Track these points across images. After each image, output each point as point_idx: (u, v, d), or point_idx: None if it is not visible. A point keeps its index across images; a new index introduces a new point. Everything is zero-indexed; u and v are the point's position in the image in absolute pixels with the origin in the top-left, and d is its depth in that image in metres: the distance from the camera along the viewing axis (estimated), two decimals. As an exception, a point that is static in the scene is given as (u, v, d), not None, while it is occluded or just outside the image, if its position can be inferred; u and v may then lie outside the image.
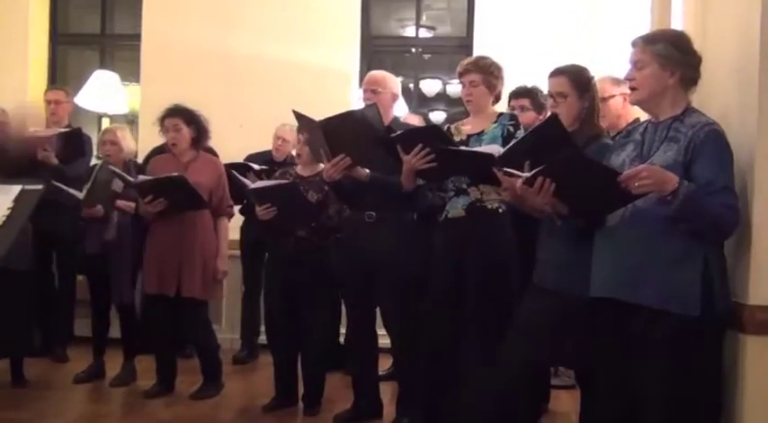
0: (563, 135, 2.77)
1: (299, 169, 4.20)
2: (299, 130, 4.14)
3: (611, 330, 2.48)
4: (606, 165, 2.50)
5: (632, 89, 2.53)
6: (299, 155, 4.20)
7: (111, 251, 4.59)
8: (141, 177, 4.27)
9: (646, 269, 2.36)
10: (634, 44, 2.52)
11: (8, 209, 2.23)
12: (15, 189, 2.30)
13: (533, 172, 2.44)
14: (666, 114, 2.47)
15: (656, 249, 2.35)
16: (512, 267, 3.36)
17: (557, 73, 3.01)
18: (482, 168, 2.97)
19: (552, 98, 3.01)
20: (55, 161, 4.73)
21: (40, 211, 2.76)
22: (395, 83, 3.89)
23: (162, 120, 4.37)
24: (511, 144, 2.99)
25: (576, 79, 2.99)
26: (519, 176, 2.53)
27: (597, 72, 3.24)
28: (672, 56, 2.44)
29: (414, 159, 3.25)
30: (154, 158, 4.59)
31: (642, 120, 2.83)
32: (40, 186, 2.35)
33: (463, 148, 3.30)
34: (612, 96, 3.73)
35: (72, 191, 4.37)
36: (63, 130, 4.94)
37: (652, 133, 2.50)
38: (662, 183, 2.26)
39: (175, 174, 4.16)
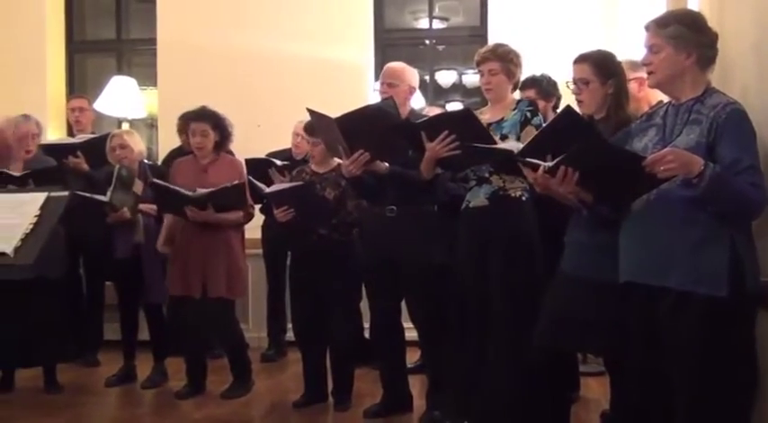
0: (582, 125, 2.76)
1: (314, 167, 4.21)
2: (308, 129, 4.15)
3: (640, 315, 2.47)
4: (630, 150, 2.48)
5: (650, 73, 2.52)
6: (312, 155, 4.20)
7: (141, 254, 4.61)
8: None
9: (673, 252, 2.34)
10: (647, 28, 2.50)
11: (35, 216, 2.25)
12: (41, 196, 2.32)
13: (555, 161, 2.43)
14: (687, 96, 2.45)
15: (682, 232, 2.33)
16: (537, 255, 3.34)
17: (579, 59, 3.00)
18: (503, 160, 2.97)
19: (575, 84, 2.99)
20: (85, 167, 4.78)
21: (67, 216, 2.79)
22: (412, 75, 3.87)
23: (188, 122, 4.39)
24: (529, 140, 2.97)
25: (599, 65, 2.97)
26: (540, 165, 2.52)
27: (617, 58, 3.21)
28: (685, 37, 2.41)
29: (438, 146, 3.23)
30: (177, 161, 4.59)
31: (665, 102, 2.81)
32: (65, 193, 2.38)
33: (488, 145, 3.26)
34: (627, 81, 3.71)
35: (97, 196, 4.40)
36: (91, 136, 4.98)
37: (673, 116, 2.48)
38: (687, 165, 2.24)
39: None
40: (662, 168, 2.24)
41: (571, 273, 2.87)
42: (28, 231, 2.19)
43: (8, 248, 2.13)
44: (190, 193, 4.21)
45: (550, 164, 2.46)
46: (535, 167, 2.56)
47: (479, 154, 3.17)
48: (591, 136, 2.63)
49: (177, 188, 4.25)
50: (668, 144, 2.38)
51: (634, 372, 2.55)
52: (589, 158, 2.37)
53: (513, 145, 3.03)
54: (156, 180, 4.44)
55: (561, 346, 2.91)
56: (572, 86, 3.07)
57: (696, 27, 2.44)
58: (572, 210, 2.77)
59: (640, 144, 2.54)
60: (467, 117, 3.33)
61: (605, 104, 2.96)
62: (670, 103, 2.54)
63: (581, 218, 2.79)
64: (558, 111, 3.72)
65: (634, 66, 3.68)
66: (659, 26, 2.46)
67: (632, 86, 3.69)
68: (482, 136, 3.16)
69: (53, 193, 2.33)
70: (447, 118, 3.49)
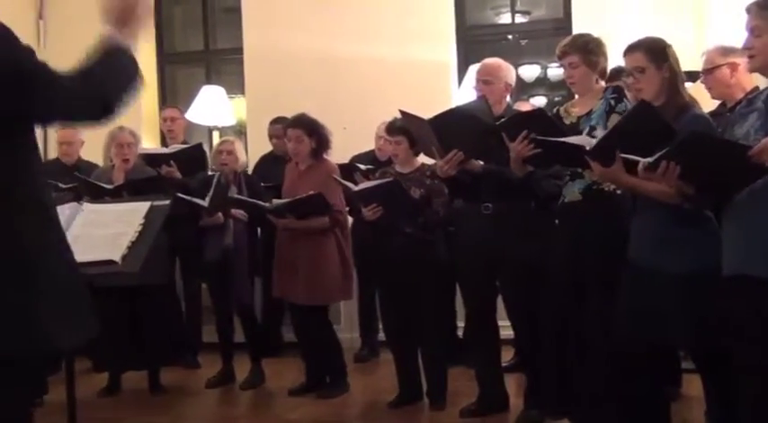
0: (656, 118, 2.69)
1: (398, 167, 4.22)
2: (389, 129, 4.16)
3: (745, 309, 2.39)
4: (734, 141, 2.40)
5: (750, 57, 2.43)
6: (395, 155, 4.21)
7: (230, 257, 4.73)
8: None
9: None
10: (748, 10, 2.41)
11: (140, 225, 2.34)
12: (145, 206, 2.41)
13: (656, 156, 2.39)
14: (790, 80, 2.36)
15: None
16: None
17: (631, 49, 2.94)
18: (576, 157, 2.93)
19: (631, 75, 2.93)
20: (179, 175, 4.92)
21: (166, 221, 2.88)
22: (508, 71, 3.83)
23: (285, 129, 4.47)
24: (601, 136, 2.92)
25: (652, 51, 2.91)
26: (638, 161, 2.48)
27: (707, 43, 3.12)
28: None
29: (519, 146, 3.21)
30: (288, 165, 4.65)
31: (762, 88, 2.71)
32: (167, 202, 2.46)
33: (559, 138, 3.21)
34: (718, 67, 3.60)
35: (197, 200, 4.52)
36: (183, 146, 5.13)
37: (776, 101, 2.39)
38: (796, 152, 2.16)
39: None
40: None
41: (643, 265, 2.83)
42: (134, 239, 2.27)
43: (116, 256, 2.22)
44: (267, 205, 4.34)
45: (650, 159, 2.41)
46: (609, 162, 2.51)
47: (557, 150, 3.13)
48: (666, 129, 2.57)
49: (254, 201, 4.42)
50: (772, 129, 2.30)
51: (741, 368, 2.46)
52: (693, 152, 2.31)
53: (584, 140, 2.98)
54: (234, 195, 4.56)
55: (637, 340, 2.85)
56: (628, 79, 3.00)
57: None
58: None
59: (741, 130, 2.46)
60: (538, 115, 3.30)
61: (663, 90, 2.89)
62: (771, 87, 2.45)
63: (652, 211, 2.74)
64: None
65: (725, 51, 3.58)
66: (762, 8, 2.37)
67: (724, 72, 3.60)
68: (556, 133, 3.12)
69: (156, 202, 2.41)
70: (524, 117, 3.46)
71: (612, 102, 3.31)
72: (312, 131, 4.39)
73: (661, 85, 2.88)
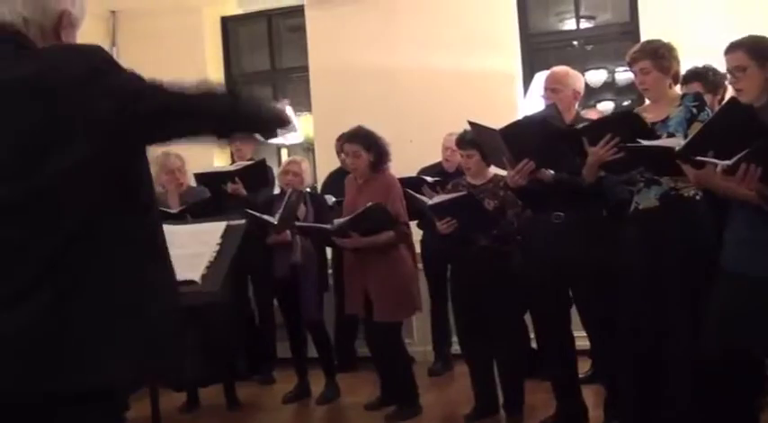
0: (750, 116, 2.60)
1: (470, 179, 4.19)
2: (459, 142, 4.13)
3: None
4: None
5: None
6: (468, 168, 4.18)
7: (299, 274, 4.77)
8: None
9: None
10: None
11: (217, 244, 2.38)
12: (221, 225, 2.46)
13: (735, 158, 2.32)
14: None
15: None
16: (714, 256, 3.17)
17: (732, 47, 2.87)
18: (664, 161, 2.86)
19: (731, 74, 2.84)
20: (244, 192, 4.98)
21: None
22: (576, 79, 3.80)
23: (341, 144, 4.47)
24: (690, 136, 2.84)
25: (754, 49, 2.84)
26: (714, 164, 2.41)
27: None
28: None
29: (602, 150, 3.15)
30: (347, 178, 4.66)
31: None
32: (242, 221, 2.51)
33: (645, 142, 3.14)
34: None
35: (266, 217, 4.57)
36: (249, 162, 5.22)
37: None
38: None
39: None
40: None
41: (733, 270, 2.74)
42: (212, 259, 2.32)
43: (196, 276, 2.27)
44: (328, 227, 4.33)
45: (729, 162, 2.34)
46: (701, 165, 2.44)
47: (641, 155, 3.05)
48: (761, 129, 2.48)
49: (317, 225, 4.45)
50: None
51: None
52: None
53: (672, 141, 2.90)
54: (298, 223, 4.58)
55: (729, 348, 2.75)
56: (728, 77, 2.92)
57: None
58: (731, 206, 2.64)
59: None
60: (629, 118, 3.22)
61: (765, 90, 2.80)
62: None
63: (742, 213, 2.65)
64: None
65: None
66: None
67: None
68: (646, 136, 3.05)
69: (232, 222, 2.46)
70: (609, 121, 3.40)
71: (695, 110, 3.23)
72: (369, 145, 4.34)
73: (763, 85, 2.81)
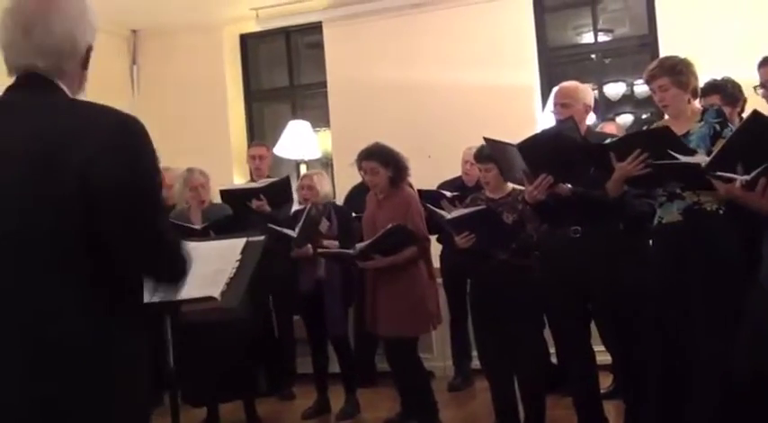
0: None
1: (489, 193, 4.18)
2: (478, 157, 4.11)
3: None
4: None
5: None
6: (486, 182, 4.17)
7: (323, 289, 4.78)
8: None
9: None
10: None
11: (237, 261, 2.39)
12: (241, 242, 2.47)
13: (753, 174, 2.30)
14: None
15: None
16: (739, 271, 3.14)
17: (766, 61, 2.83)
18: (692, 176, 2.83)
19: (764, 88, 2.82)
20: (268, 209, 5.02)
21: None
22: (586, 93, 3.80)
23: (359, 161, 4.47)
24: (716, 151, 2.82)
25: None
26: (734, 179, 2.39)
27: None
28: None
29: (630, 166, 3.14)
30: (369, 194, 4.67)
31: None
32: (262, 237, 2.51)
33: (677, 158, 3.10)
34: None
35: (286, 230, 4.59)
36: (272, 180, 5.25)
37: None
38: None
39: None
40: None
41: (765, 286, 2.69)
42: (232, 275, 2.33)
43: (216, 292, 2.27)
44: (351, 252, 4.33)
45: (747, 177, 2.32)
46: (728, 179, 2.42)
47: (669, 171, 3.03)
48: None
49: (339, 250, 4.47)
50: None
51: None
52: None
53: (699, 158, 2.88)
54: (321, 249, 4.60)
55: (762, 365, 2.71)
56: (760, 91, 2.89)
57: None
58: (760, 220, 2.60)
59: None
60: (664, 134, 3.17)
61: None
62: None
63: None
64: (745, 116, 3.51)
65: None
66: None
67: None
68: (678, 150, 3.01)
69: (251, 238, 2.47)
70: (641, 136, 3.37)
71: (718, 126, 3.22)
72: (387, 161, 4.34)
73: None
